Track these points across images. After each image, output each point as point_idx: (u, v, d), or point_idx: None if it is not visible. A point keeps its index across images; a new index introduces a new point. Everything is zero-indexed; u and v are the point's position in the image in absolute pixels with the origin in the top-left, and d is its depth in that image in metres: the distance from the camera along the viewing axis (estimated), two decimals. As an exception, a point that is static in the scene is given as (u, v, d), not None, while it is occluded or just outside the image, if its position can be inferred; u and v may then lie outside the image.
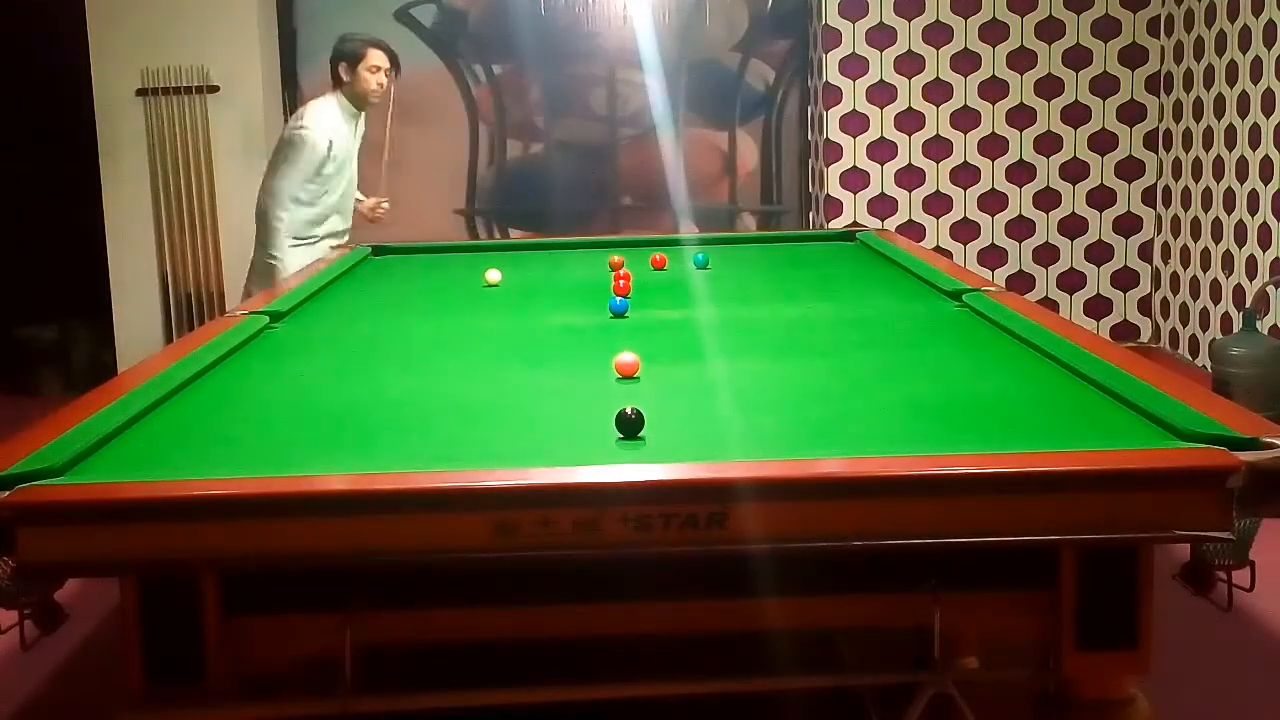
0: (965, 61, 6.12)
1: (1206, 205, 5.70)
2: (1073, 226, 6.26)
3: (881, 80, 6.14)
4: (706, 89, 6.59)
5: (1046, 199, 6.23)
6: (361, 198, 4.89)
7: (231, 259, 6.06)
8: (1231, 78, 5.42)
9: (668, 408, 2.10)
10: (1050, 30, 6.10)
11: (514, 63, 6.56)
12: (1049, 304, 6.05)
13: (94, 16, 5.85)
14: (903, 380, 2.35)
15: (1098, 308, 6.33)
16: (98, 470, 1.84)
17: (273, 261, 4.52)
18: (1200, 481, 1.69)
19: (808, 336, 2.81)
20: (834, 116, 6.17)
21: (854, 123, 6.17)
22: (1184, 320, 5.99)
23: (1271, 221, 5.09)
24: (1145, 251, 6.29)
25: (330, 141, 4.48)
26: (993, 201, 6.23)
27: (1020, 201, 6.23)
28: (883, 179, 6.21)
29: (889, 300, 3.25)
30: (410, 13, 6.48)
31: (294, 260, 4.49)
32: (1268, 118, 5.11)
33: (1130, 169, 6.22)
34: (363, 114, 4.68)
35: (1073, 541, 1.75)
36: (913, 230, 6.13)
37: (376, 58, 4.53)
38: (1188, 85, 5.86)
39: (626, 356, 2.37)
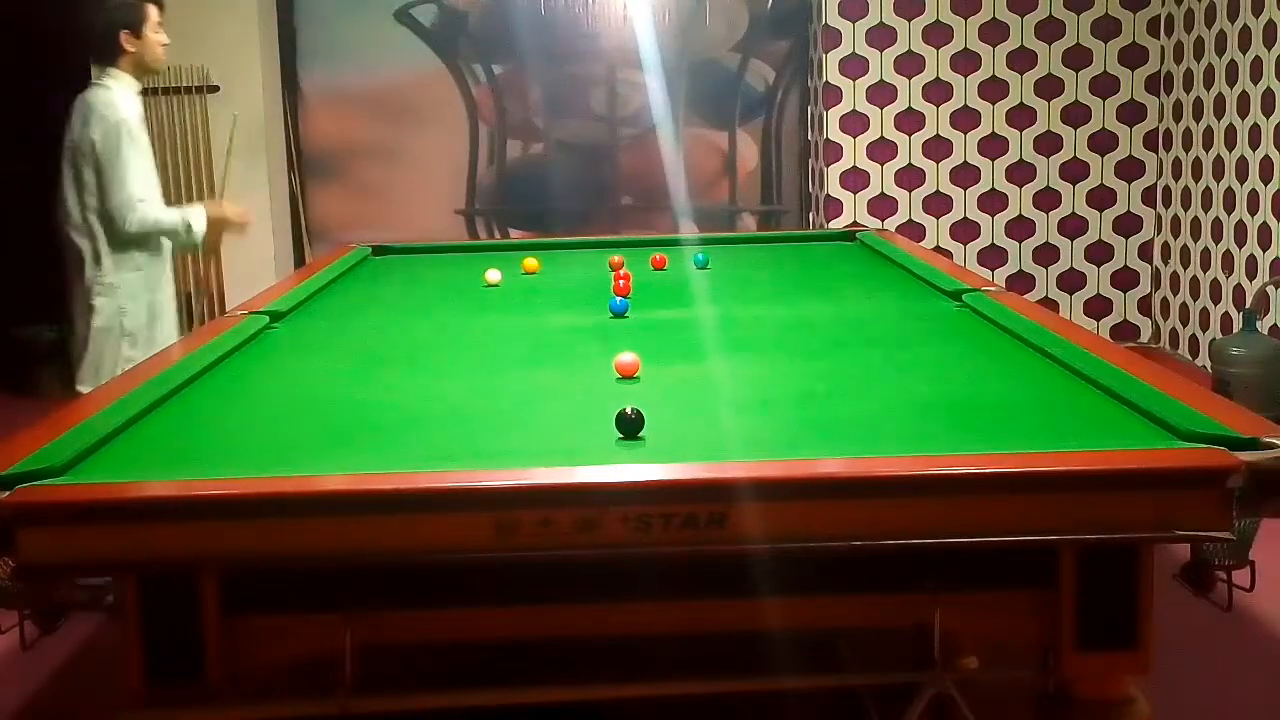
0: (965, 61, 6.12)
1: (1206, 205, 5.70)
2: (1073, 226, 6.26)
3: (881, 80, 6.14)
4: (706, 89, 6.59)
5: (1046, 199, 6.23)
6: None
7: (231, 259, 6.06)
8: (1231, 78, 5.42)
9: (668, 408, 2.10)
10: (1050, 30, 6.10)
11: (514, 63, 6.56)
12: (1049, 304, 6.05)
13: (94, 16, 5.85)
14: (903, 380, 2.35)
15: (1098, 308, 6.33)
16: (98, 470, 1.84)
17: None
18: (1200, 481, 1.69)
19: (808, 336, 2.81)
20: (834, 116, 6.17)
21: (854, 123, 6.17)
22: (1184, 320, 5.99)
23: (1271, 221, 5.09)
24: (1145, 251, 6.29)
25: (138, 120, 3.71)
26: (993, 201, 6.23)
27: (1020, 201, 6.23)
28: (883, 179, 6.21)
29: (889, 300, 3.25)
30: (410, 13, 6.49)
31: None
32: (1268, 118, 5.11)
33: (1130, 169, 6.22)
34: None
35: (1073, 541, 1.75)
36: (913, 230, 6.13)
37: (157, 13, 3.72)
38: (1188, 85, 5.86)
39: (626, 356, 2.37)
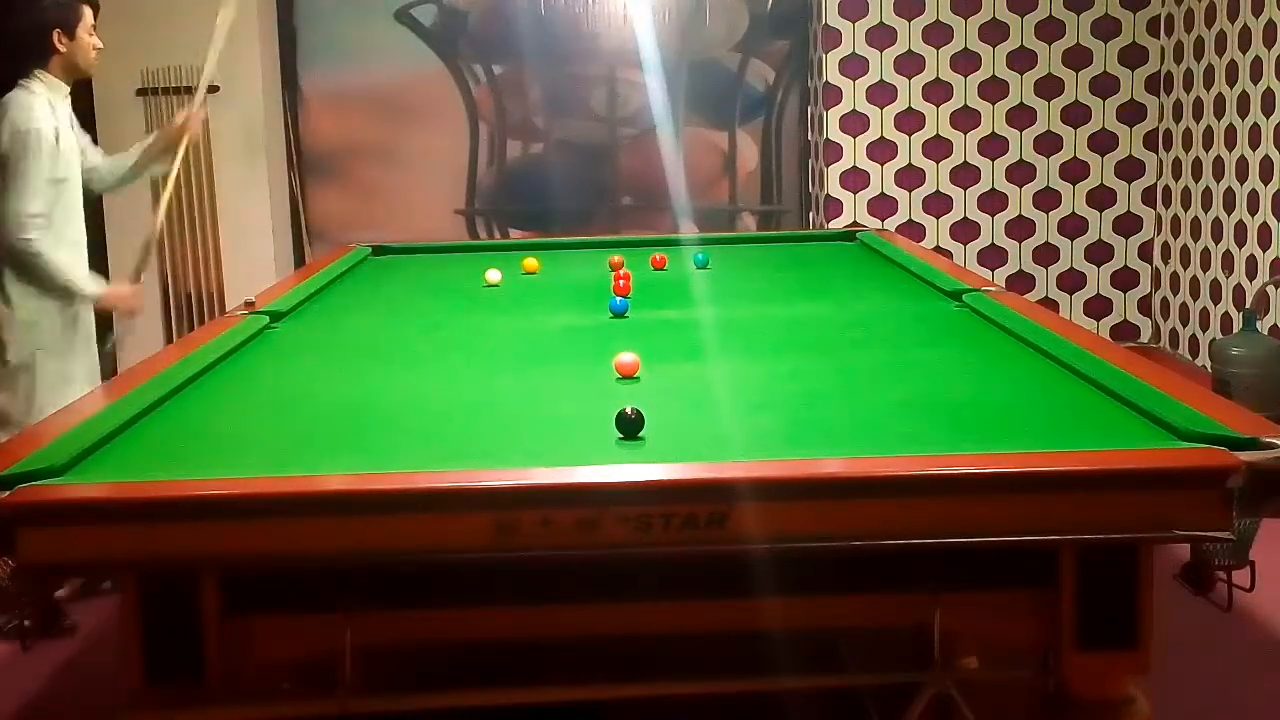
0: (965, 61, 6.12)
1: (1206, 205, 5.69)
2: (1073, 226, 6.26)
3: (881, 80, 6.14)
4: (706, 89, 6.59)
5: (1046, 199, 6.23)
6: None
7: (231, 259, 6.07)
8: (1231, 78, 5.42)
9: (668, 408, 2.10)
10: (1050, 30, 6.10)
11: (514, 63, 6.56)
12: (1049, 304, 6.04)
13: (94, 16, 5.85)
14: (903, 380, 2.35)
15: (1098, 308, 6.33)
16: (98, 470, 1.84)
17: (73, 293, 3.49)
18: (1200, 481, 1.69)
19: (808, 336, 2.81)
20: (834, 116, 6.17)
21: (854, 123, 6.17)
22: (1184, 320, 5.99)
23: (1271, 221, 5.09)
24: (1145, 251, 6.29)
25: (56, 131, 3.46)
26: (993, 201, 6.23)
27: (1020, 201, 6.23)
28: (883, 179, 6.21)
29: (889, 300, 3.25)
30: (410, 13, 6.48)
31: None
32: (1268, 118, 5.11)
33: (1130, 169, 6.21)
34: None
35: (1073, 541, 1.75)
36: (913, 230, 6.13)
37: (91, 15, 3.54)
38: (1188, 85, 5.86)
39: (626, 356, 2.37)
